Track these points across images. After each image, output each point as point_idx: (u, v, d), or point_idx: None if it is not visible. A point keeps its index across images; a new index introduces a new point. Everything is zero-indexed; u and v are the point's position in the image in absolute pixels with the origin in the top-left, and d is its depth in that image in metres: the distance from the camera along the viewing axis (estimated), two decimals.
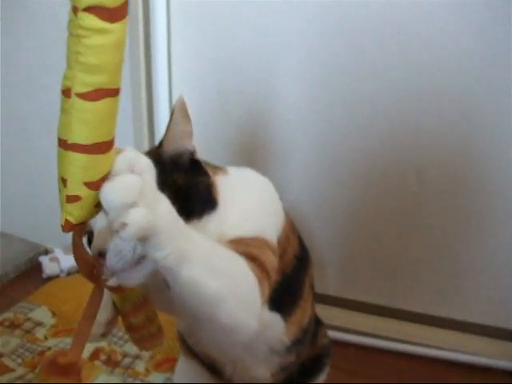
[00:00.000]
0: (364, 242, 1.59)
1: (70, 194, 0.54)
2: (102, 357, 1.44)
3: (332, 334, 1.43)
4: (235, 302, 0.67)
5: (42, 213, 2.05)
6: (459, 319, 1.56)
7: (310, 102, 1.49)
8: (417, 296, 1.59)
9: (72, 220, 0.55)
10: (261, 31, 1.47)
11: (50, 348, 1.46)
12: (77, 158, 0.53)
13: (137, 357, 1.44)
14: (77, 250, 0.60)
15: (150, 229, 0.52)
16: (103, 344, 1.48)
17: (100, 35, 0.49)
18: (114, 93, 0.53)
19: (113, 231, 0.51)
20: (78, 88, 0.51)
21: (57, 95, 0.53)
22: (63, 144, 0.53)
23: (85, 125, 0.52)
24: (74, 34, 0.50)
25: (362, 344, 1.53)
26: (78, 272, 1.87)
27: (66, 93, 0.52)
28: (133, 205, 0.51)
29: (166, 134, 0.77)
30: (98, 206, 0.56)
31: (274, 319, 0.88)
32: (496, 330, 1.52)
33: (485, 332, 1.53)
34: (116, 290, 0.70)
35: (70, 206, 0.55)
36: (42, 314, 1.62)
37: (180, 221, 0.59)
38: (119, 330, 1.54)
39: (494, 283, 1.50)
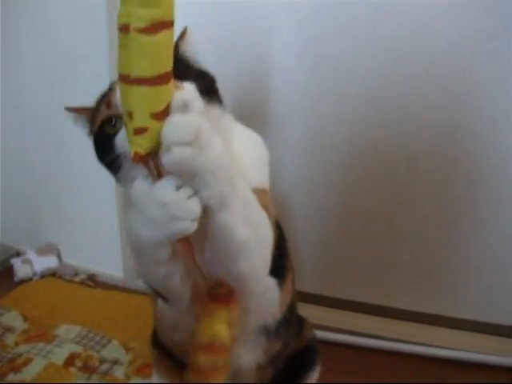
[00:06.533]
0: (353, 237, 1.52)
1: (137, 127, 0.57)
2: (78, 363, 1.34)
3: (323, 334, 1.38)
4: (256, 252, 0.71)
5: (13, 213, 1.95)
6: (454, 316, 1.50)
7: (303, 90, 1.41)
8: (409, 293, 1.52)
9: (141, 151, 0.58)
10: None
11: (20, 355, 1.35)
12: (141, 91, 0.56)
13: (115, 362, 1.35)
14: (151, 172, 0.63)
15: (195, 167, 0.57)
16: (79, 349, 1.38)
17: None
18: (169, 25, 0.56)
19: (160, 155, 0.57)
20: (136, 23, 0.54)
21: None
22: (125, 79, 0.56)
23: (146, 58, 0.55)
24: None
25: (353, 344, 1.46)
26: (52, 275, 1.78)
27: (124, 29, 0.55)
28: (186, 144, 0.56)
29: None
30: None
31: (271, 284, 0.85)
32: (492, 326, 1.47)
33: (480, 328, 1.47)
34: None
35: (138, 138, 0.57)
36: (12, 318, 1.52)
37: (228, 164, 0.63)
38: (96, 334, 1.45)
39: (490, 278, 1.44)
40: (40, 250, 1.84)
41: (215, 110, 0.75)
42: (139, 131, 0.57)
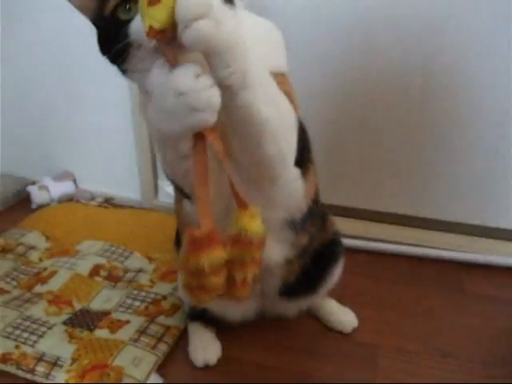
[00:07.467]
0: (368, 146, 1.50)
1: None
2: (103, 273, 1.36)
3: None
4: (281, 133, 0.72)
5: (26, 144, 1.94)
6: (469, 223, 1.50)
7: None
8: (422, 200, 1.52)
9: (156, 25, 0.56)
10: None
11: (45, 268, 1.37)
12: None
13: (139, 271, 1.37)
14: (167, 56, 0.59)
15: (214, 42, 0.56)
16: (102, 261, 1.40)
17: None
18: None
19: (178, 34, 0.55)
20: None
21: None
22: None
23: None
24: None
25: (371, 249, 1.49)
26: (69, 200, 1.78)
27: None
28: (202, 17, 0.54)
29: None
30: None
31: (297, 173, 0.86)
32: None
33: (496, 234, 1.49)
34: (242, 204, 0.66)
35: (152, 10, 0.56)
36: (34, 238, 1.54)
37: (245, 43, 0.61)
38: (118, 248, 1.47)
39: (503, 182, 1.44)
40: (56, 176, 1.84)
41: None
42: (153, 1, 0.55)
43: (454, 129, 1.41)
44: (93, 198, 1.81)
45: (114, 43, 0.66)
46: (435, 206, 1.52)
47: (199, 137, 0.62)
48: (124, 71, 0.70)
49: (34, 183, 1.89)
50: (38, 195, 1.78)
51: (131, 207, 1.76)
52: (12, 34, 1.75)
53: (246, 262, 0.68)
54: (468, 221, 1.50)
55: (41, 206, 1.78)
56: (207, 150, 0.63)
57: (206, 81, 0.57)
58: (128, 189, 1.78)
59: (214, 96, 0.58)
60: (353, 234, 1.49)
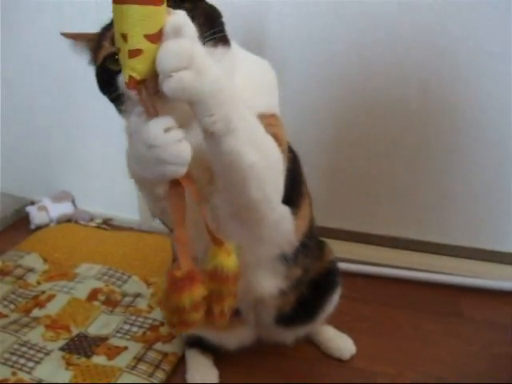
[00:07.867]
0: (363, 167, 1.50)
1: (131, 49, 0.56)
2: (101, 297, 1.36)
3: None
4: (266, 178, 0.71)
5: (25, 164, 1.95)
6: (465, 245, 1.50)
7: (308, 16, 1.38)
8: (420, 223, 1.52)
9: (136, 75, 0.57)
10: None
11: (43, 292, 1.37)
12: (134, 11, 0.55)
13: (137, 295, 1.37)
14: (146, 107, 0.60)
15: (196, 92, 0.57)
16: (100, 285, 1.40)
17: None
18: None
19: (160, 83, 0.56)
20: None
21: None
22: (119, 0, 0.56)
23: None
24: None
25: (368, 273, 1.49)
26: (68, 221, 1.78)
27: None
28: (183, 68, 0.55)
29: None
30: None
31: (285, 212, 0.85)
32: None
33: (490, 257, 1.49)
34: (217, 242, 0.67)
35: (132, 61, 0.57)
36: (32, 260, 1.53)
37: (229, 89, 0.61)
38: (116, 271, 1.47)
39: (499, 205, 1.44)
40: (55, 197, 1.84)
41: (219, 50, 0.71)
42: (134, 53, 0.56)
43: (453, 151, 1.42)
44: (92, 219, 1.81)
45: (108, 90, 0.70)
46: (433, 228, 1.52)
47: (175, 182, 0.63)
48: (120, 111, 0.73)
49: (32, 203, 1.90)
50: (37, 216, 1.79)
51: (130, 228, 1.77)
52: (13, 55, 1.77)
53: (223, 296, 0.69)
54: (466, 244, 1.50)
55: (39, 227, 1.78)
56: (184, 193, 0.64)
57: (176, 135, 0.58)
58: (127, 210, 1.79)
59: (184, 151, 0.59)
60: (349, 257, 1.49)
